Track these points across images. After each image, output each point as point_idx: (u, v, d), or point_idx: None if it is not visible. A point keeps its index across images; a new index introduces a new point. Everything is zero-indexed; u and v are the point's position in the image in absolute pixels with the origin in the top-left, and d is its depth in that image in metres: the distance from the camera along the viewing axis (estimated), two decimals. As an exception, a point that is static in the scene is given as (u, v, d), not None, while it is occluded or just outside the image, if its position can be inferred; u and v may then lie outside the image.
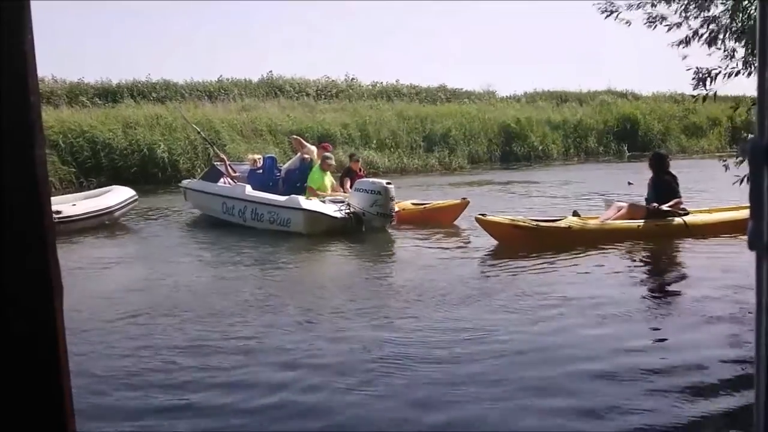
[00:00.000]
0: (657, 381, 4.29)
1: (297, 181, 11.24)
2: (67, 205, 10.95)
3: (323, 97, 26.18)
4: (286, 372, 4.59)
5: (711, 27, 7.10)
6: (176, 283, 7.39)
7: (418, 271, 7.73)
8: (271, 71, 27.33)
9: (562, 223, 8.91)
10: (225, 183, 11.86)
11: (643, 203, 9.26)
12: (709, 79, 7.04)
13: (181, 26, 49.06)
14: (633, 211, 9.07)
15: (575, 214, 9.31)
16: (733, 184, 6.08)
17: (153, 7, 48.04)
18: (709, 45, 7.04)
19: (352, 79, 28.65)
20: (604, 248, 8.41)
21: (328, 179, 11.15)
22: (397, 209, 10.34)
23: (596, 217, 9.33)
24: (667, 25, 7.45)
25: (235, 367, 4.72)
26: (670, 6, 7.41)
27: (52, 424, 0.82)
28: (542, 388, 4.19)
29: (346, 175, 11.42)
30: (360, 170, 11.79)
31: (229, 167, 12.16)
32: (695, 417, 3.83)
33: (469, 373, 4.46)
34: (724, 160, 7.18)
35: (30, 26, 0.80)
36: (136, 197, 12.20)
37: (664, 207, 8.94)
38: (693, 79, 7.22)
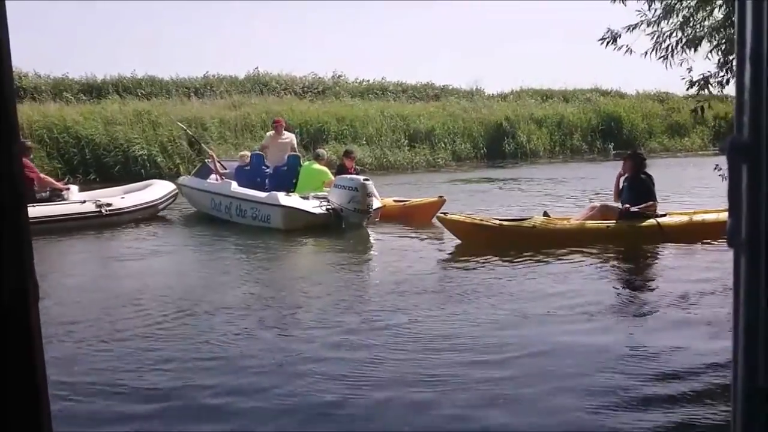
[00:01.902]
0: (635, 384, 4.26)
1: (285, 178, 11.34)
2: (117, 197, 11.48)
3: (309, 93, 26.16)
4: (269, 377, 4.58)
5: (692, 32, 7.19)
6: (163, 282, 7.39)
7: (382, 272, 7.77)
8: (257, 67, 27.34)
9: (526, 223, 8.71)
10: (216, 179, 11.95)
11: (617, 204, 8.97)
12: (703, 84, 7.09)
13: (167, 22, 48.77)
14: (605, 212, 8.79)
15: (545, 214, 9.08)
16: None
17: (138, 3, 47.73)
18: (694, 49, 7.14)
19: (339, 76, 28.67)
20: (571, 249, 8.13)
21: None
22: (379, 205, 10.46)
23: (568, 218, 9.09)
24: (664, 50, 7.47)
25: (223, 370, 4.70)
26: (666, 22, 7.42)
27: (28, 424, 0.81)
28: (515, 394, 4.14)
29: (339, 171, 11.50)
30: (353, 167, 11.88)
31: (217, 164, 12.24)
32: (676, 416, 3.83)
33: (446, 378, 4.42)
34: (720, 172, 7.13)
35: (5, 20, 0.79)
36: (177, 191, 12.45)
37: (633, 209, 8.64)
38: (687, 85, 7.31)
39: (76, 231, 10.20)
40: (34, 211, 10.12)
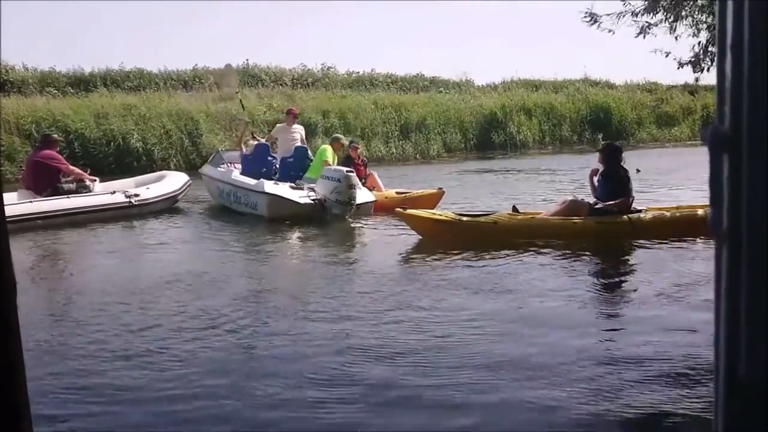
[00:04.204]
0: (618, 380, 4.22)
1: (291, 170, 11.47)
2: (143, 188, 11.81)
3: (299, 86, 26.09)
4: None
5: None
6: (160, 276, 7.37)
7: (339, 270, 7.55)
8: (247, 60, 27.22)
9: (488, 218, 8.39)
10: (229, 167, 12.14)
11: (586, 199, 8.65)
12: (694, 62, 7.14)
13: (155, 14, 48.48)
14: (574, 207, 8.39)
15: (514, 208, 8.75)
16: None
17: (126, -5, 47.39)
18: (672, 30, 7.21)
19: (329, 68, 28.59)
20: (535, 245, 7.80)
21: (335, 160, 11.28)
22: (370, 198, 10.55)
23: (537, 213, 8.75)
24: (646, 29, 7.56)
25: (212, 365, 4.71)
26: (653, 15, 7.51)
27: (6, 424, 0.80)
28: (495, 392, 4.09)
29: (345, 162, 11.56)
30: (359, 158, 11.95)
31: (243, 144, 12.49)
32: (654, 414, 3.82)
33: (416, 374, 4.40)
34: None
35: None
36: (191, 182, 12.71)
37: (599, 205, 8.34)
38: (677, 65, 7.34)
39: (105, 221, 10.62)
40: (70, 202, 10.64)
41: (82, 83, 23.42)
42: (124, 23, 46.14)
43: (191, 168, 16.75)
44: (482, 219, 8.45)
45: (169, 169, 16.48)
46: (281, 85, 25.71)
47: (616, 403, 3.90)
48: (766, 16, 0.68)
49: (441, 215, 8.59)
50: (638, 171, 14.70)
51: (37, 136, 18.16)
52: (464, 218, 8.49)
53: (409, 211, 8.69)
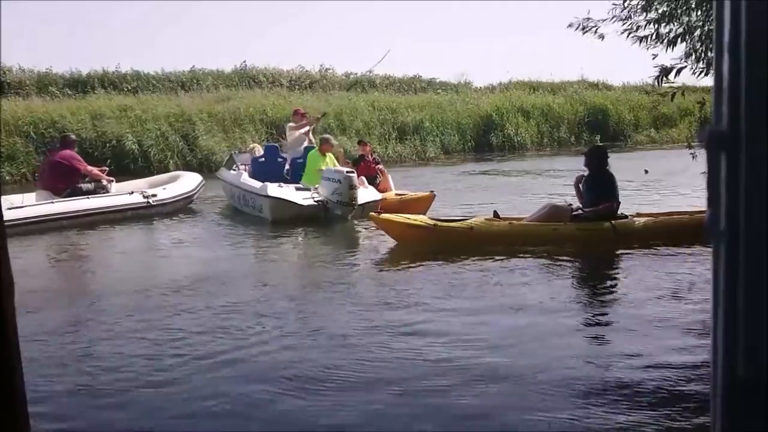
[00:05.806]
0: (608, 388, 4.19)
1: (301, 169, 11.55)
2: (159, 188, 11.93)
3: (297, 87, 26.07)
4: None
5: (672, 27, 7.31)
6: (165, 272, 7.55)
7: (319, 273, 7.58)
8: (244, 61, 27.21)
9: (463, 223, 8.21)
10: (239, 169, 12.25)
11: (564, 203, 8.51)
12: (672, 74, 7.21)
13: (152, 15, 48.44)
14: (555, 212, 8.17)
15: (495, 214, 8.52)
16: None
17: (124, -4, 47.30)
18: (672, 46, 7.28)
19: (327, 69, 28.57)
20: (512, 252, 7.59)
21: (330, 161, 11.20)
22: (372, 198, 10.51)
23: (520, 218, 8.45)
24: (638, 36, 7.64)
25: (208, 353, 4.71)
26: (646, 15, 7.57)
27: (4, 423, 0.80)
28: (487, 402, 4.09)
29: (357, 161, 11.55)
30: (371, 155, 11.96)
31: (252, 152, 12.70)
32: (652, 414, 3.82)
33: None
34: (693, 153, 7.39)
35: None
36: (204, 182, 12.83)
37: (576, 211, 8.13)
38: (656, 76, 7.43)
39: (123, 221, 10.79)
40: (91, 203, 10.73)
41: (79, 84, 23.41)
42: (121, 25, 46.08)
43: (189, 170, 16.68)
44: (458, 224, 8.27)
45: (167, 170, 16.44)
46: (278, 86, 25.69)
47: (614, 403, 3.90)
48: (763, 16, 0.69)
49: (415, 220, 8.41)
50: (646, 172, 14.74)
51: (35, 138, 18.22)
52: (439, 223, 8.32)
53: (383, 215, 8.56)
